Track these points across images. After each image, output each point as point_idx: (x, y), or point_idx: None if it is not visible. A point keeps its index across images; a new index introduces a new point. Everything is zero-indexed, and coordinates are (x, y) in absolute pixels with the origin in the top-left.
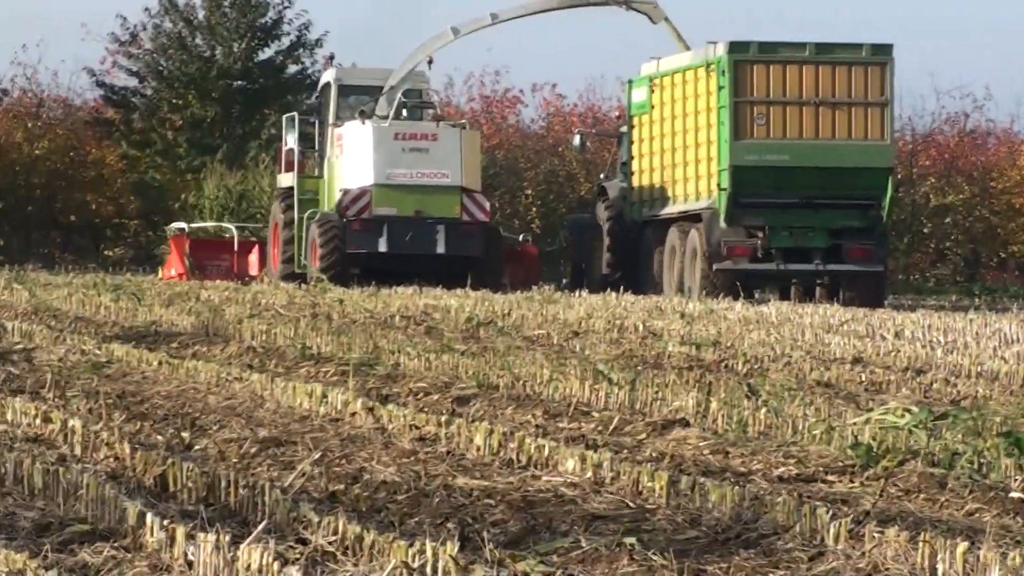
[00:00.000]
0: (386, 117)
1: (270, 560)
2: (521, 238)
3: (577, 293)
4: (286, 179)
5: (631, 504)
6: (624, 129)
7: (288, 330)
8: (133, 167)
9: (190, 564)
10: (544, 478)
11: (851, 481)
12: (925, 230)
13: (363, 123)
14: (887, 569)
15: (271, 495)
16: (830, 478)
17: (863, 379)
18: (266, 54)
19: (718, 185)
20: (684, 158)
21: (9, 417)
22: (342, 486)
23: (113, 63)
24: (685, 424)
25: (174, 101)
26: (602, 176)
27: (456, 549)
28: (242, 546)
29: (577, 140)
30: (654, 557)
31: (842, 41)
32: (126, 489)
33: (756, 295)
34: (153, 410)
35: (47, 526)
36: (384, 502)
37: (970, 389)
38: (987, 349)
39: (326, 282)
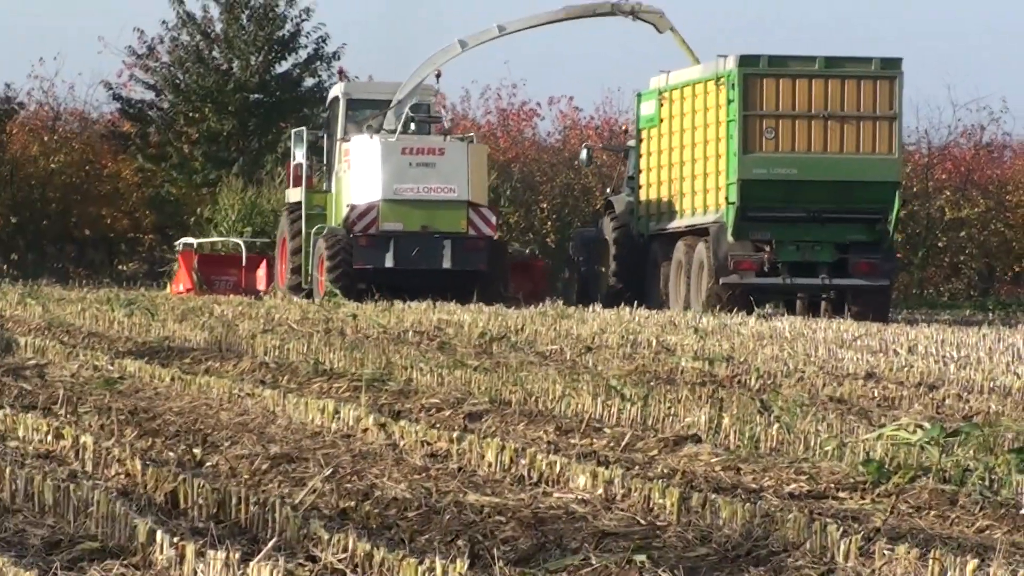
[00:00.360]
0: (394, 131)
1: None
2: (528, 251)
3: (591, 308)
4: (294, 194)
5: (642, 521)
6: (631, 143)
7: (301, 345)
8: (149, 181)
9: None
10: (555, 495)
11: (862, 498)
12: (940, 244)
13: (371, 138)
14: None
15: (282, 512)
16: (841, 495)
17: (876, 395)
18: (283, 67)
19: (726, 199)
20: (692, 171)
21: (21, 433)
22: (353, 503)
23: (130, 76)
24: (697, 440)
25: (191, 114)
26: (608, 190)
27: (466, 567)
28: (252, 563)
29: (584, 154)
30: (663, 574)
31: (852, 55)
32: (137, 506)
33: (768, 308)
34: (165, 426)
35: (57, 543)
36: (395, 519)
37: (982, 405)
38: (1000, 364)
39: (339, 296)
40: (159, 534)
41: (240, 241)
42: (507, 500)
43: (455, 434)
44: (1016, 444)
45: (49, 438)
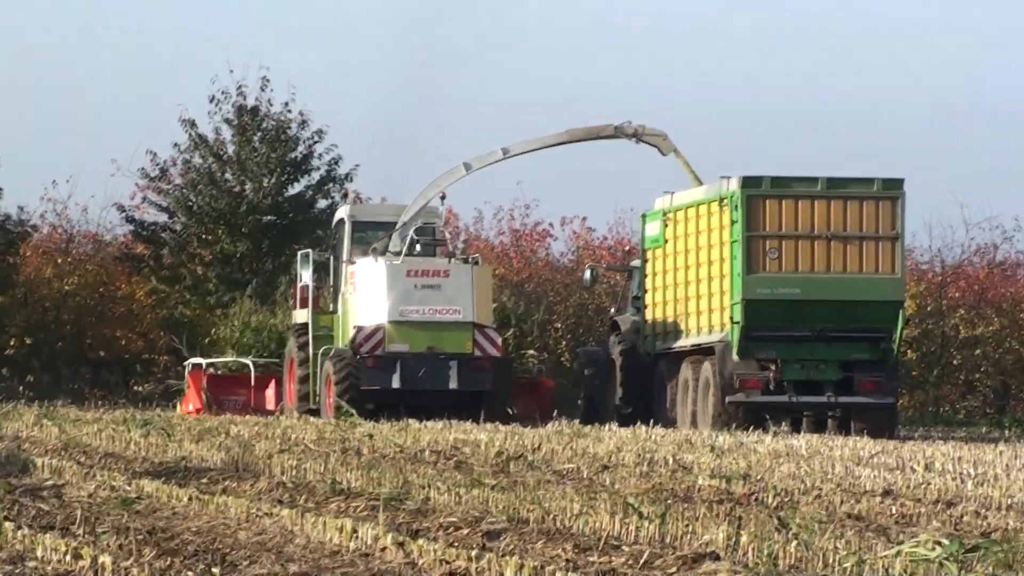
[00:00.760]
0: (399, 253)
1: None
2: (536, 370)
3: (607, 427)
4: (301, 315)
5: None
6: (636, 263)
7: (318, 465)
8: (163, 302)
9: None
10: None
11: None
12: (955, 361)
13: (376, 260)
14: None
15: None
16: None
17: (893, 512)
18: (296, 188)
19: (731, 318)
20: (697, 291)
21: (39, 553)
22: None
23: (143, 198)
24: (716, 558)
25: (204, 236)
26: (613, 310)
27: None
28: None
29: (588, 275)
30: None
31: (855, 176)
32: None
33: (784, 426)
34: (183, 546)
35: None
36: None
37: (1000, 521)
38: (1017, 481)
39: (355, 416)
40: None
41: (248, 361)
42: None
43: (474, 552)
44: None
45: (68, 558)
